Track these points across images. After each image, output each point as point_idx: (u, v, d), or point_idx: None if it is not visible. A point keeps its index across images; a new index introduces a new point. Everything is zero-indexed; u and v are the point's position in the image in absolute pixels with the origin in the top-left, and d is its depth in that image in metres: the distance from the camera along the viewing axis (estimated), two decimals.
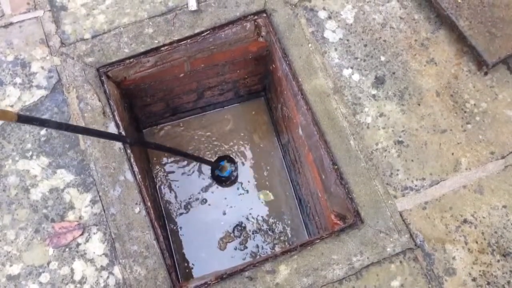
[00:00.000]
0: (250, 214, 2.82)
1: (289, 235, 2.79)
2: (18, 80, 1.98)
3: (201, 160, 2.74)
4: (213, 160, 2.86)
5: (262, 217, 2.82)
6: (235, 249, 2.74)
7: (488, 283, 1.69)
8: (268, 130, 3.01)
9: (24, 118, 1.43)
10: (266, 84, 2.85)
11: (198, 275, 2.67)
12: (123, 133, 1.92)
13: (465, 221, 1.78)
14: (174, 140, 2.97)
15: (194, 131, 2.99)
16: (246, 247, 2.74)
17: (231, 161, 2.89)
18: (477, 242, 1.75)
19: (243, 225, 2.79)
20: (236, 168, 2.88)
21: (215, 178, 2.87)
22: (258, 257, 2.70)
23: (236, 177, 2.88)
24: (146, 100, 2.53)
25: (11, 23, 2.07)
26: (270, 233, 2.78)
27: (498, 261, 1.72)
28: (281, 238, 2.78)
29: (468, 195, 1.81)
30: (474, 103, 1.94)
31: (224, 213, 2.82)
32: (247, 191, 2.88)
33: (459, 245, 1.74)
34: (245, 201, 2.86)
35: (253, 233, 2.78)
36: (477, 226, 1.77)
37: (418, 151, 1.88)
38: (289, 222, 2.82)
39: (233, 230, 2.78)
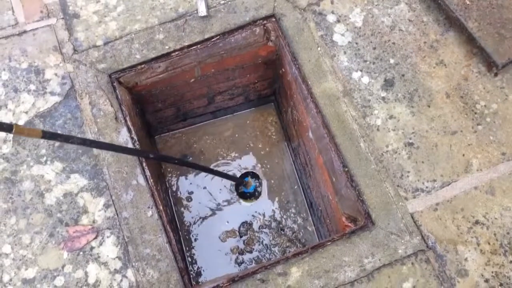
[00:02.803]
0: (260, 215, 2.84)
1: (300, 238, 2.79)
2: (32, 87, 2.02)
3: (225, 176, 2.75)
4: (237, 176, 2.90)
5: (272, 219, 2.83)
6: (241, 253, 2.75)
7: (501, 284, 1.68)
8: (279, 134, 3.03)
9: (49, 135, 1.51)
10: (276, 88, 2.87)
11: (193, 259, 2.72)
12: (135, 137, 1.94)
13: (477, 222, 1.77)
14: (185, 146, 2.99)
15: (205, 136, 3.01)
16: (252, 250, 2.76)
17: (255, 176, 2.91)
18: (489, 243, 1.74)
19: (249, 222, 2.81)
20: (261, 184, 2.90)
21: (240, 194, 2.89)
22: (266, 259, 2.71)
23: (260, 192, 2.91)
24: (157, 105, 2.56)
25: (25, 31, 2.11)
26: (281, 235, 2.79)
27: (511, 262, 1.71)
28: (292, 241, 2.78)
29: (480, 196, 1.81)
30: (485, 104, 1.94)
31: (233, 214, 2.86)
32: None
33: (471, 246, 1.74)
34: (255, 204, 2.88)
35: (260, 229, 2.79)
36: (489, 227, 1.76)
37: (428, 152, 1.88)
38: (299, 225, 2.82)
39: (239, 227, 2.80)
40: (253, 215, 2.84)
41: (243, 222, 2.81)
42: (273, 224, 2.82)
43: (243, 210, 2.86)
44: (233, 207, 2.87)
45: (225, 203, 2.88)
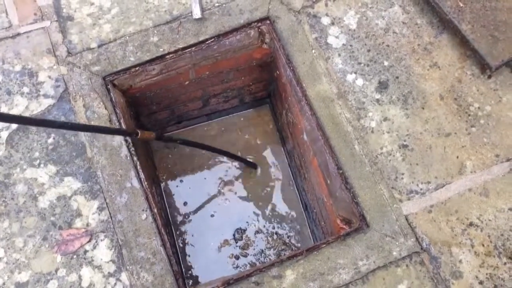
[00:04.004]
0: (256, 219, 2.83)
1: (295, 241, 2.79)
2: (25, 89, 2.01)
3: (235, 158, 2.81)
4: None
5: (267, 223, 2.82)
6: (237, 258, 2.74)
7: (495, 286, 1.69)
8: (273, 136, 3.02)
9: (159, 137, 1.89)
10: (271, 90, 2.87)
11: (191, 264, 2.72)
12: (129, 140, 1.94)
13: (471, 224, 1.77)
14: (180, 148, 2.98)
15: (199, 138, 3.01)
16: (247, 254, 2.75)
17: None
18: (483, 245, 1.74)
19: (243, 228, 2.80)
20: None
21: None
22: (261, 263, 2.70)
23: None
24: (152, 108, 2.55)
25: (18, 34, 2.10)
26: (275, 239, 2.78)
27: (505, 263, 1.72)
28: (287, 244, 2.78)
29: (474, 198, 1.81)
30: (478, 106, 1.95)
31: (228, 218, 2.84)
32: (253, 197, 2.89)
33: (466, 248, 1.74)
34: (250, 207, 2.87)
35: (255, 235, 2.78)
36: (483, 229, 1.77)
37: (422, 154, 1.88)
38: (295, 228, 2.82)
39: (234, 233, 2.79)
40: (247, 221, 2.83)
41: (237, 229, 2.80)
42: (268, 228, 2.81)
43: (238, 214, 2.85)
44: (228, 210, 2.87)
45: (220, 207, 2.87)
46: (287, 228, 2.82)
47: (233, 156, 2.75)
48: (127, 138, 1.93)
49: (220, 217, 2.85)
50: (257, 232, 2.80)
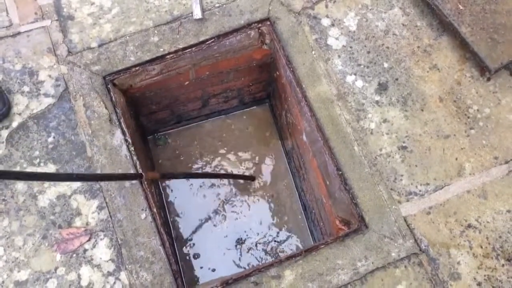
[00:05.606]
0: (254, 221, 2.83)
1: (294, 241, 2.79)
2: (26, 88, 2.01)
3: (234, 176, 2.83)
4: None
5: (266, 223, 2.83)
6: (240, 254, 2.75)
7: None
8: (273, 137, 3.03)
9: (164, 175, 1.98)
10: (271, 91, 2.87)
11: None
12: (129, 140, 1.94)
13: (469, 225, 1.78)
14: (179, 148, 2.99)
15: (198, 137, 3.01)
16: (247, 257, 2.76)
17: None
18: (481, 247, 1.75)
19: (243, 238, 2.80)
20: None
21: None
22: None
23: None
24: (152, 107, 2.55)
25: (19, 33, 2.11)
26: (274, 240, 2.79)
27: (503, 265, 1.72)
28: (285, 244, 2.78)
29: (472, 199, 1.82)
30: (477, 109, 1.96)
31: (227, 218, 2.85)
32: (253, 198, 2.90)
33: (464, 250, 1.75)
34: (250, 208, 2.88)
35: (256, 244, 2.78)
36: (481, 230, 1.77)
37: (422, 156, 1.89)
38: (294, 228, 2.82)
39: (235, 242, 2.79)
40: (245, 227, 2.83)
41: (238, 239, 2.80)
42: (266, 230, 2.81)
43: (236, 215, 2.86)
44: (226, 212, 2.87)
45: (218, 213, 2.88)
46: (285, 228, 2.82)
47: (230, 176, 2.81)
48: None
49: (218, 218, 2.85)
50: (256, 241, 2.79)
